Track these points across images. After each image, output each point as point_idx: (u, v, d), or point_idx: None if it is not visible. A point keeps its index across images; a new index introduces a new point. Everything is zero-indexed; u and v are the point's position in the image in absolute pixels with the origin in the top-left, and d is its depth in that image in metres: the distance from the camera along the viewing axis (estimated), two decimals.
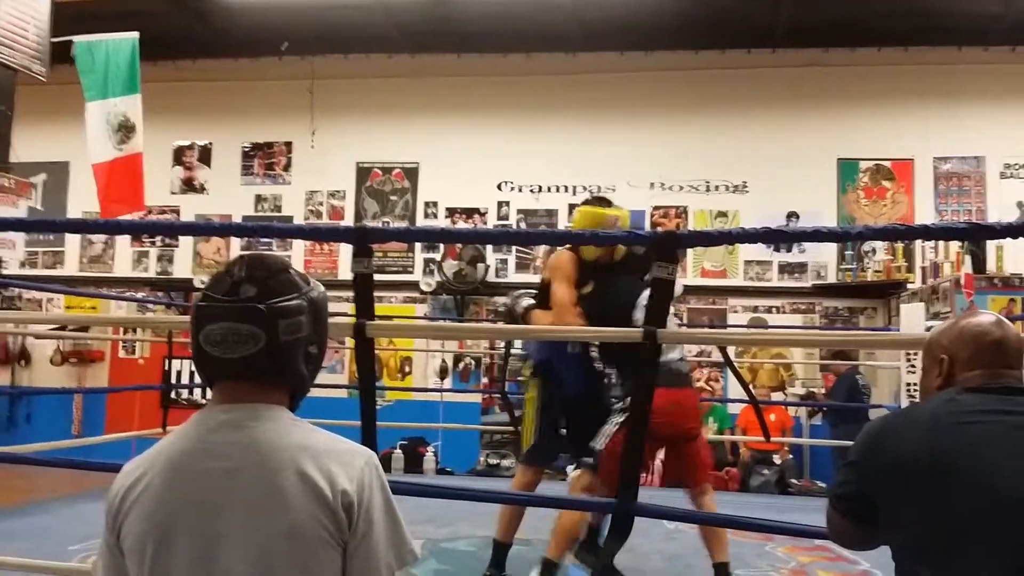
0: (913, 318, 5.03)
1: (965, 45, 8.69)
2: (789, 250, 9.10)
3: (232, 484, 1.26)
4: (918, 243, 8.53)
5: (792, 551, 4.81)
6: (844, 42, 8.86)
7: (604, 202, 3.94)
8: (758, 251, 9.17)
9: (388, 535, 1.30)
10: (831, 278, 8.97)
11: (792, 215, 8.94)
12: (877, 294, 8.79)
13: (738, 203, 9.27)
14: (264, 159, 10.23)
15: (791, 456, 8.05)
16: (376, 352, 9.22)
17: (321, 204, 10.05)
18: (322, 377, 5.69)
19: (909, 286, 8.39)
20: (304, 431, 1.32)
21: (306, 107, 9.84)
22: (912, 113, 8.95)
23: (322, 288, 1.43)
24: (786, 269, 9.17)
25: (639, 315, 3.30)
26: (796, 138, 9.17)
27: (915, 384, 5.84)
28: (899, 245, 8.54)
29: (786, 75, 9.21)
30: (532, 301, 4.07)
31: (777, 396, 8.67)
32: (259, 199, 10.13)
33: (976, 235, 2.21)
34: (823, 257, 9.05)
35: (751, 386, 7.92)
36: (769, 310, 9.13)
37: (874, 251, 8.75)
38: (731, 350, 8.23)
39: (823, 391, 8.31)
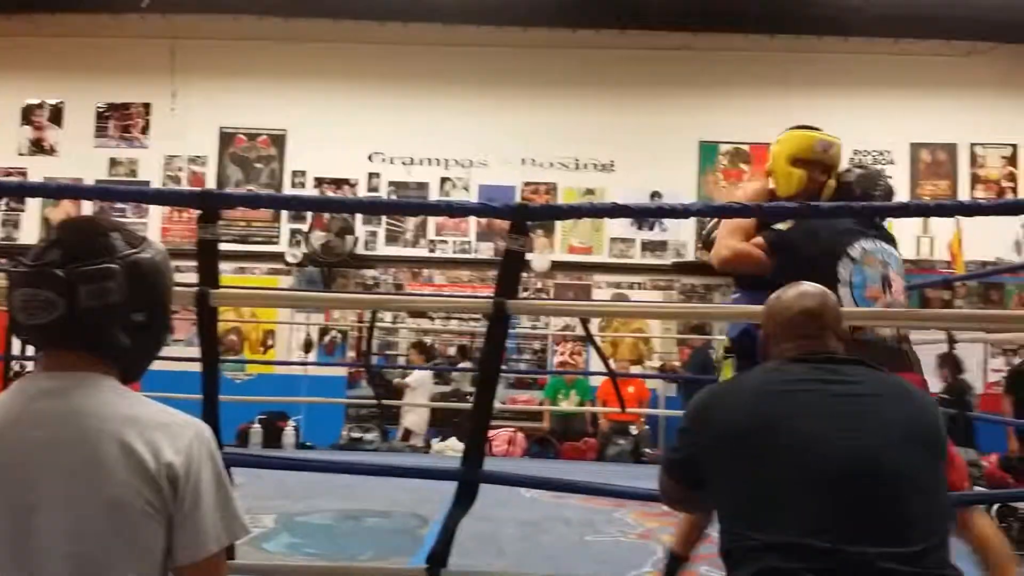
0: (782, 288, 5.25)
1: (826, 35, 9.08)
2: (651, 228, 9.38)
3: (50, 454, 1.22)
4: None
5: (641, 517, 4.99)
6: (712, 27, 9.11)
7: (809, 128, 3.17)
8: (623, 229, 9.41)
9: (216, 509, 1.27)
10: (690, 256, 9.31)
11: (655, 194, 9.19)
12: (731, 272, 9.16)
13: (605, 181, 9.47)
14: (120, 121, 9.74)
15: (647, 427, 8.35)
16: (238, 325, 9.04)
17: (181, 170, 9.67)
18: (181, 350, 5.51)
19: None
20: (131, 402, 1.29)
21: (167, 68, 9.42)
22: (773, 99, 9.30)
23: (156, 252, 1.35)
24: (648, 247, 9.45)
25: (844, 271, 2.72)
26: (662, 119, 9.42)
27: None
28: None
29: (656, 56, 9.42)
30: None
31: (637, 369, 8.95)
32: (114, 163, 9.64)
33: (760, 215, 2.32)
34: (682, 236, 9.37)
35: (612, 359, 8.20)
36: (631, 286, 9.39)
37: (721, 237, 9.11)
38: (594, 325, 8.51)
39: (679, 364, 8.65)
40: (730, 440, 1.67)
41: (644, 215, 2.32)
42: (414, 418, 8.42)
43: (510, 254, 2.22)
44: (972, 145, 9.40)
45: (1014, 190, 9.27)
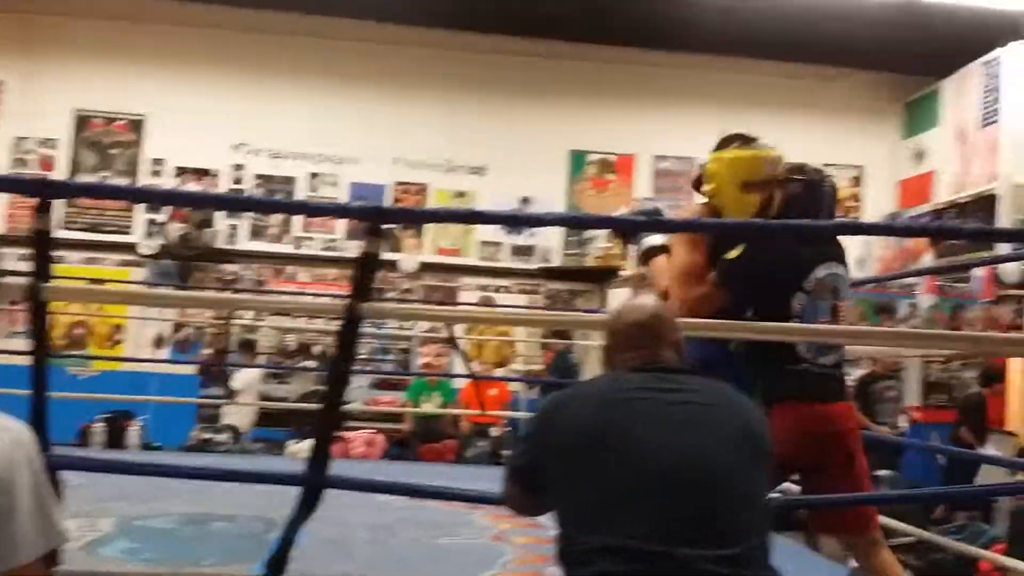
0: (620, 302, 5.40)
1: (694, 52, 9.37)
2: (520, 233, 9.49)
3: None
4: None
5: (495, 519, 5.02)
6: (582, 37, 9.29)
7: (748, 141, 2.94)
8: (492, 232, 9.48)
9: (33, 516, 1.23)
10: (556, 261, 9.46)
11: (526, 200, 9.30)
12: (595, 279, 9.40)
13: (477, 185, 9.51)
14: None
15: (508, 429, 8.42)
16: (85, 318, 8.59)
17: (30, 153, 9.12)
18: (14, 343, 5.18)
19: (622, 273, 9.03)
20: None
21: (18, 44, 8.87)
22: (638, 112, 9.59)
23: None
24: (517, 251, 9.55)
25: (798, 304, 2.66)
26: (533, 126, 9.53)
27: None
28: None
29: (527, 63, 9.53)
30: (662, 242, 2.98)
31: (501, 371, 9.03)
32: None
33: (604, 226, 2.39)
34: (549, 241, 9.52)
35: (476, 362, 8.25)
36: (498, 289, 9.46)
37: (595, 238, 9.35)
38: (459, 328, 8.53)
39: (543, 367, 8.77)
40: (569, 446, 1.73)
41: (502, 222, 2.31)
42: (239, 416, 8.13)
43: (365, 256, 2.20)
44: (824, 166, 9.89)
45: (859, 209, 9.85)
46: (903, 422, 7.27)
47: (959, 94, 8.84)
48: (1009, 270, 7.12)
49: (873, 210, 9.75)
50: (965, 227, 2.50)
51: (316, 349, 9.10)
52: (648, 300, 2.07)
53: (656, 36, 9.14)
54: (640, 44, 9.35)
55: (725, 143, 2.97)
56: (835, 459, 2.68)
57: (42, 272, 2.14)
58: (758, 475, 1.73)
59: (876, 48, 9.05)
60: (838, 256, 2.78)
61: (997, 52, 8.25)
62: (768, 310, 2.63)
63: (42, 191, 2.19)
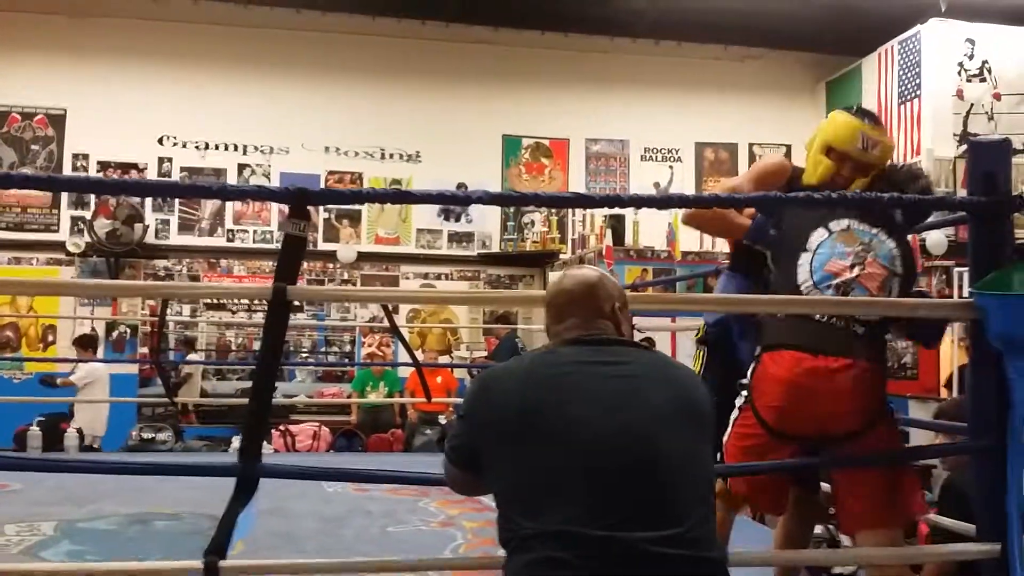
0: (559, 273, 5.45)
1: (616, 36, 9.51)
2: (458, 219, 9.48)
3: None
4: (569, 216, 9.29)
5: (443, 504, 5.04)
6: (512, 23, 9.32)
7: (871, 118, 2.76)
8: (430, 219, 9.46)
9: None
10: (495, 247, 9.48)
11: (461, 186, 9.27)
12: (534, 263, 9.45)
13: (412, 171, 9.47)
14: None
15: (455, 416, 8.44)
16: (15, 320, 8.33)
17: None
18: None
19: (561, 256, 9.10)
20: None
21: None
22: (569, 96, 9.65)
23: None
24: (455, 238, 9.54)
25: (815, 239, 2.56)
26: (466, 112, 9.52)
27: None
28: (553, 218, 9.25)
29: (458, 50, 9.51)
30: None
31: (445, 359, 9.03)
32: None
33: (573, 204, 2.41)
34: (487, 227, 9.53)
35: (420, 350, 8.22)
36: (439, 277, 9.45)
37: (533, 223, 9.39)
38: (401, 317, 8.50)
39: (486, 354, 8.79)
40: (501, 424, 1.67)
41: (427, 201, 2.29)
42: (86, 418, 7.48)
43: (289, 239, 2.14)
44: (751, 144, 10.14)
45: None
46: None
47: (880, 71, 9.09)
48: (935, 241, 7.35)
49: None
50: (890, 198, 2.51)
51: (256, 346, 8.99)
52: (585, 269, 1.98)
53: (585, 21, 9.22)
54: (569, 29, 9.43)
55: (847, 110, 2.84)
56: (845, 427, 2.41)
57: None
58: (699, 449, 1.68)
59: (797, 28, 9.28)
60: (897, 234, 2.59)
61: (916, 28, 8.51)
62: (783, 243, 2.63)
63: None
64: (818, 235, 2.56)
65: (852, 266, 2.51)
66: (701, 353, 3.12)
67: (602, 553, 1.50)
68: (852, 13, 8.77)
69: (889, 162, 2.79)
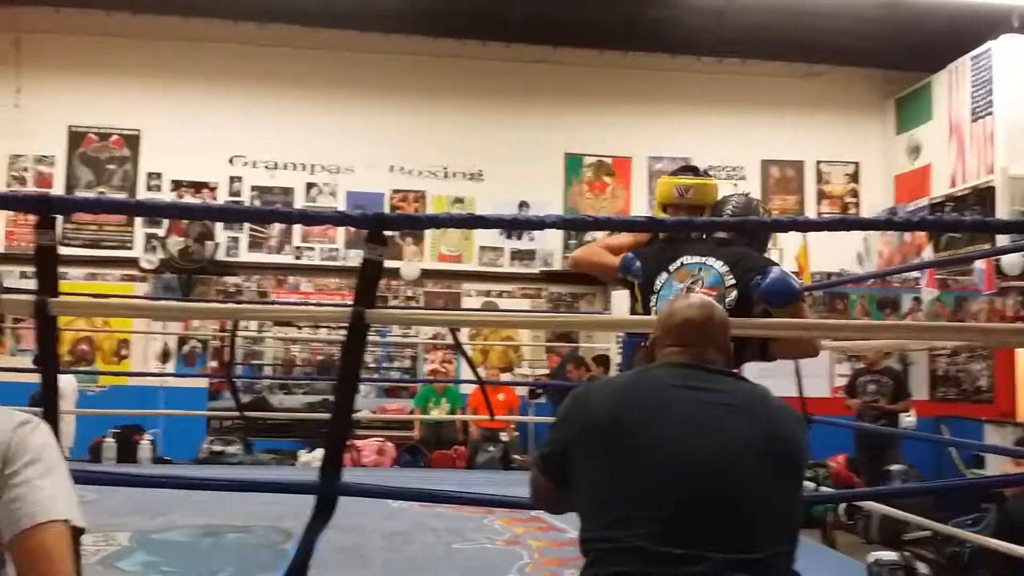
0: (622, 304, 5.42)
1: (679, 54, 9.48)
2: (520, 237, 9.50)
3: None
4: None
5: (509, 523, 5.03)
6: (572, 42, 9.35)
7: (689, 171, 3.46)
8: (492, 237, 9.49)
9: (66, 485, 1.26)
10: (557, 265, 9.48)
11: (523, 204, 9.32)
12: (596, 281, 9.38)
13: (474, 190, 9.53)
14: None
15: (517, 433, 8.43)
16: (90, 334, 8.58)
17: (26, 170, 9.12)
18: (19, 360, 5.21)
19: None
20: None
21: (11, 62, 8.89)
22: (631, 114, 9.63)
23: None
24: (517, 256, 9.57)
25: (659, 282, 2.98)
26: (528, 131, 9.56)
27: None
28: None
29: (519, 69, 9.56)
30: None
31: (507, 376, 9.03)
32: None
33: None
34: (549, 245, 9.53)
35: (482, 367, 8.25)
36: (500, 295, 9.48)
37: (594, 241, 9.36)
38: (464, 334, 8.54)
39: (547, 371, 8.78)
40: (592, 436, 1.70)
41: (501, 226, 2.33)
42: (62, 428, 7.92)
43: (368, 264, 2.19)
44: (818, 163, 9.99)
45: (856, 205, 9.90)
46: (909, 416, 7.29)
47: (951, 88, 8.89)
48: (1010, 262, 7.14)
49: (869, 206, 9.79)
50: (966, 220, 2.46)
51: (319, 359, 9.12)
52: (703, 298, 2.04)
53: (650, 39, 9.20)
54: (633, 47, 9.42)
55: (671, 173, 3.52)
56: None
57: (48, 287, 2.13)
58: (782, 484, 1.68)
59: (866, 44, 9.14)
60: (719, 254, 3.00)
61: (988, 45, 8.31)
62: (644, 286, 3.04)
63: (43, 207, 2.16)
64: (661, 278, 3.01)
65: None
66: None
67: (678, 571, 1.53)
68: (920, 29, 8.61)
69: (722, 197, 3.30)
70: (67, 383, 6.90)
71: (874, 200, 9.79)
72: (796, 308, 2.87)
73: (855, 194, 10.02)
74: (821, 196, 9.97)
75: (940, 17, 8.35)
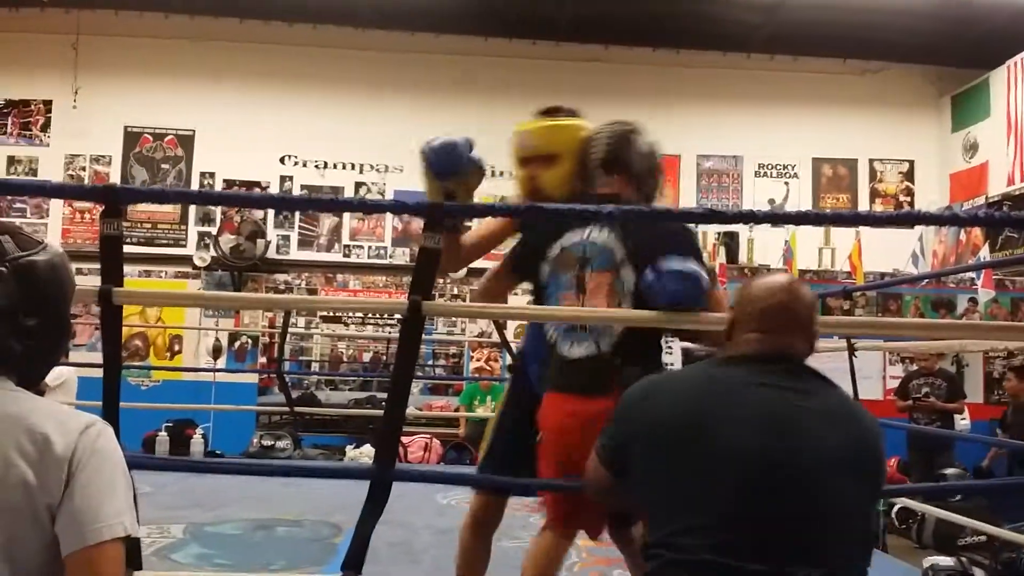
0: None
1: (729, 51, 9.38)
2: None
3: None
4: None
5: None
6: (623, 40, 9.31)
7: (549, 113, 2.75)
8: None
9: (126, 497, 1.26)
10: None
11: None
12: None
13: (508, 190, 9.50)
14: (19, 118, 9.36)
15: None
16: (143, 329, 8.76)
17: (83, 169, 9.34)
18: (83, 355, 5.36)
19: None
20: (27, 399, 1.27)
21: (69, 64, 9.10)
22: (680, 112, 9.55)
23: (52, 255, 1.33)
24: None
25: (543, 277, 2.46)
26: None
27: (672, 364, 6.28)
28: None
29: (569, 68, 9.53)
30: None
31: None
32: (12, 161, 9.26)
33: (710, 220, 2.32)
34: None
35: None
36: None
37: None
38: (510, 331, 8.53)
39: None
40: (656, 433, 1.61)
41: (555, 216, 2.25)
42: None
43: (424, 251, 2.11)
44: (871, 161, 9.82)
45: (911, 204, 9.71)
46: (963, 419, 7.14)
47: (1009, 85, 8.67)
48: None
49: (925, 204, 9.60)
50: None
51: (366, 356, 9.21)
52: (788, 277, 1.79)
53: (697, 37, 9.12)
54: (681, 45, 9.34)
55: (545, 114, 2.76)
56: None
57: (113, 277, 2.15)
58: (863, 498, 1.59)
59: (922, 40, 8.96)
60: (600, 217, 2.31)
61: None
62: (534, 290, 2.49)
63: (109, 196, 2.18)
64: (543, 272, 2.43)
65: (577, 291, 2.38)
66: (509, 381, 3.01)
67: None
68: (977, 25, 8.42)
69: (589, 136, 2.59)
70: (70, 374, 7.06)
71: (929, 199, 9.60)
72: (712, 302, 2.22)
73: (909, 192, 9.83)
74: (874, 195, 9.80)
75: (999, 13, 8.16)
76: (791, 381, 1.61)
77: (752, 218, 2.27)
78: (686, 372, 1.75)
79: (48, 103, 9.34)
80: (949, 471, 5.92)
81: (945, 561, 4.19)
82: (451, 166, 2.38)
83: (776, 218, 2.96)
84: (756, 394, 1.59)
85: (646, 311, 2.16)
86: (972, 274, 8.04)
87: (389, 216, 9.43)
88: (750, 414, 1.57)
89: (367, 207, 2.37)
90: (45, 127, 9.35)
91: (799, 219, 2.34)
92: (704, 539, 1.49)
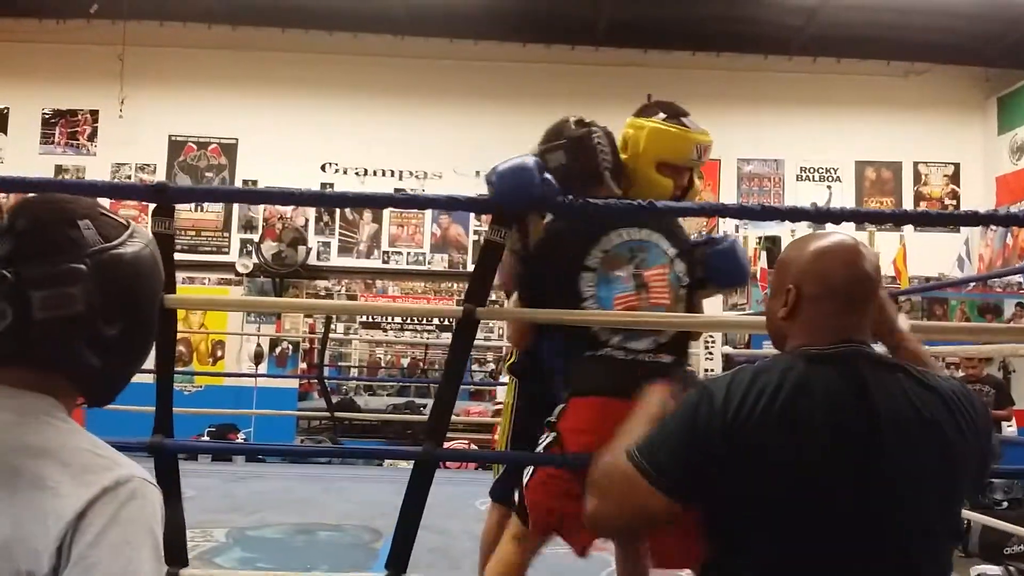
0: (711, 307, 5.34)
1: (771, 54, 9.30)
2: None
3: None
4: None
5: None
6: (661, 44, 9.27)
7: (675, 115, 2.56)
8: None
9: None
10: None
11: None
12: None
13: None
14: (67, 127, 9.57)
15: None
16: (187, 335, 8.90)
17: (129, 178, 9.52)
18: None
19: None
20: (57, 432, 0.97)
21: (115, 74, 9.27)
22: (720, 115, 9.42)
23: (139, 245, 1.05)
24: None
25: (585, 287, 2.27)
26: (616, 133, 9.47)
27: (712, 370, 6.23)
28: None
29: (607, 73, 9.51)
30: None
31: None
32: (60, 170, 9.46)
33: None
34: None
35: None
36: None
37: None
38: None
39: None
40: (746, 458, 1.28)
41: (608, 215, 2.16)
42: None
43: (489, 245, 2.06)
44: (916, 163, 9.66)
45: (957, 207, 9.54)
46: (1010, 426, 6.98)
47: None
48: None
49: (970, 207, 9.43)
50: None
51: (404, 362, 9.26)
52: (851, 243, 1.40)
53: (739, 39, 9.05)
54: (721, 49, 9.27)
55: (646, 111, 2.59)
56: None
57: (165, 279, 2.14)
58: (957, 512, 1.39)
59: (967, 42, 8.81)
60: (661, 226, 2.32)
61: None
62: (556, 295, 2.26)
63: (160, 195, 2.16)
64: (585, 279, 2.24)
65: (639, 290, 2.25)
66: (514, 384, 2.84)
67: None
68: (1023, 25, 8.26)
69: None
70: None
71: (975, 202, 9.42)
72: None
73: (955, 195, 9.66)
74: (919, 198, 9.65)
75: None
76: (903, 381, 1.34)
77: (800, 215, 2.23)
78: (758, 379, 1.31)
79: (95, 113, 9.54)
80: (996, 481, 5.78)
81: (992, 570, 4.10)
82: (524, 195, 2.08)
83: (815, 216, 2.87)
84: (852, 405, 1.30)
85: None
86: (1019, 277, 7.88)
87: (428, 223, 9.48)
88: (843, 430, 1.29)
89: (432, 203, 2.34)
90: (92, 136, 9.55)
91: (837, 217, 2.30)
92: (763, 561, 1.30)
